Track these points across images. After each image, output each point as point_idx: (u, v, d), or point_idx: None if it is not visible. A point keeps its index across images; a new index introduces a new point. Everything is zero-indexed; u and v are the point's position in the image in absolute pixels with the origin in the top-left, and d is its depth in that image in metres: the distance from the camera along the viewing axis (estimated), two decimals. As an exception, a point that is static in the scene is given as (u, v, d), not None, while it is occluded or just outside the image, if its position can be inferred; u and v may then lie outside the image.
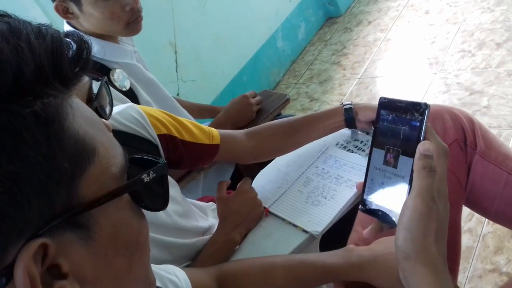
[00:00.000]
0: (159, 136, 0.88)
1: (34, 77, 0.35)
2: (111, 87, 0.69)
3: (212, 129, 1.00)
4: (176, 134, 0.92)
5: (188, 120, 0.97)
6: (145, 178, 0.40)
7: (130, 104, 0.90)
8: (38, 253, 0.33)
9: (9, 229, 0.33)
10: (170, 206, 0.84)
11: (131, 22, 1.18)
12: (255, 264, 0.83)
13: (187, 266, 0.91)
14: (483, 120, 1.82)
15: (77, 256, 0.36)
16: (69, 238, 0.35)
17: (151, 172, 0.40)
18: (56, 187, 0.34)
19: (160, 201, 0.44)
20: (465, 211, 1.40)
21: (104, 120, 0.67)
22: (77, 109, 0.38)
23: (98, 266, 0.38)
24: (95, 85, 0.66)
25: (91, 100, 0.65)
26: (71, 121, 0.37)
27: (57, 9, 1.14)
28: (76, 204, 0.36)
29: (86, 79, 0.64)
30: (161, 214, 0.87)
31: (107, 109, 0.64)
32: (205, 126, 1.00)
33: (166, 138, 0.90)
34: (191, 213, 0.98)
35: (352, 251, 0.80)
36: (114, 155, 0.40)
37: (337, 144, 1.13)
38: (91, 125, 0.39)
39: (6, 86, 0.34)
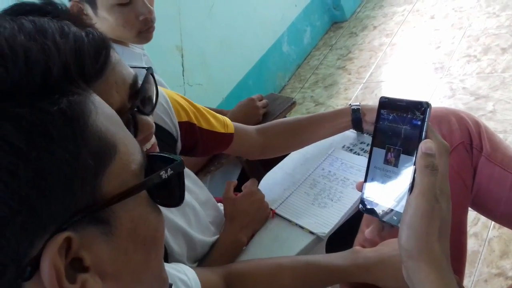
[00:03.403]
0: (179, 123, 0.89)
1: (61, 76, 0.36)
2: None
3: (226, 118, 1.02)
4: (195, 121, 0.94)
5: (204, 108, 0.98)
6: (163, 175, 0.40)
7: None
8: (63, 246, 0.34)
9: (36, 223, 0.34)
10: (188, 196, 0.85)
11: (143, 31, 1.20)
12: (262, 265, 0.83)
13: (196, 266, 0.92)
14: (488, 125, 1.80)
15: (99, 250, 0.37)
16: (92, 233, 0.36)
17: (169, 169, 0.41)
18: (80, 183, 0.35)
19: (176, 198, 0.44)
20: (471, 215, 1.40)
21: (146, 117, 0.65)
22: (99, 107, 0.39)
23: (118, 261, 0.38)
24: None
25: (137, 93, 0.64)
26: (94, 118, 0.37)
27: (72, 9, 1.15)
28: (98, 199, 0.36)
29: (130, 71, 0.64)
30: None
31: (153, 100, 0.64)
32: (219, 115, 1.01)
33: (186, 125, 0.92)
34: (210, 201, 1.00)
35: (359, 252, 0.80)
36: (133, 152, 0.41)
37: (343, 147, 1.13)
38: (111, 122, 0.40)
39: (36, 85, 0.35)
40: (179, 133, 0.89)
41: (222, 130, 0.98)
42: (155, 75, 1.33)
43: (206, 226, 0.95)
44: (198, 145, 0.95)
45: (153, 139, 0.69)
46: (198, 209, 0.93)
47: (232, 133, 1.00)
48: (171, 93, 0.92)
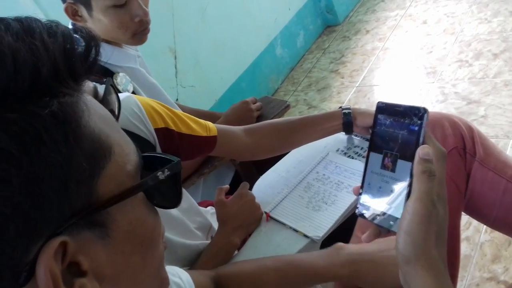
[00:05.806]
0: (156, 129, 0.89)
1: (50, 76, 0.35)
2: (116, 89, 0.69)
3: (208, 122, 1.01)
4: (173, 127, 0.92)
5: (183, 113, 0.98)
6: (160, 175, 0.40)
7: (129, 94, 0.90)
8: (58, 251, 0.34)
9: (31, 229, 0.33)
10: None
11: (138, 33, 1.20)
12: (247, 266, 0.83)
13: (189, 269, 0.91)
14: (480, 129, 1.82)
15: (96, 254, 0.36)
16: (88, 237, 0.36)
17: (166, 169, 0.40)
18: (75, 186, 0.35)
19: (173, 199, 0.44)
20: (463, 220, 1.41)
21: None
22: (91, 107, 0.38)
23: (115, 264, 0.38)
24: (100, 89, 0.66)
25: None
26: (87, 119, 0.37)
27: (66, 10, 1.15)
28: (94, 202, 0.36)
29: (90, 84, 0.64)
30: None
31: (115, 112, 0.64)
32: (201, 120, 1.00)
33: (163, 131, 0.90)
34: (193, 208, 1.00)
35: (341, 249, 0.79)
36: (129, 152, 0.40)
37: (337, 150, 1.13)
38: (105, 123, 0.39)
39: (25, 87, 0.33)
40: (156, 140, 0.89)
41: (204, 134, 0.98)
42: (150, 77, 1.33)
43: (188, 230, 0.95)
44: (179, 150, 0.94)
45: None
46: (175, 214, 0.92)
47: (215, 135, 1.00)
48: (146, 100, 0.91)
